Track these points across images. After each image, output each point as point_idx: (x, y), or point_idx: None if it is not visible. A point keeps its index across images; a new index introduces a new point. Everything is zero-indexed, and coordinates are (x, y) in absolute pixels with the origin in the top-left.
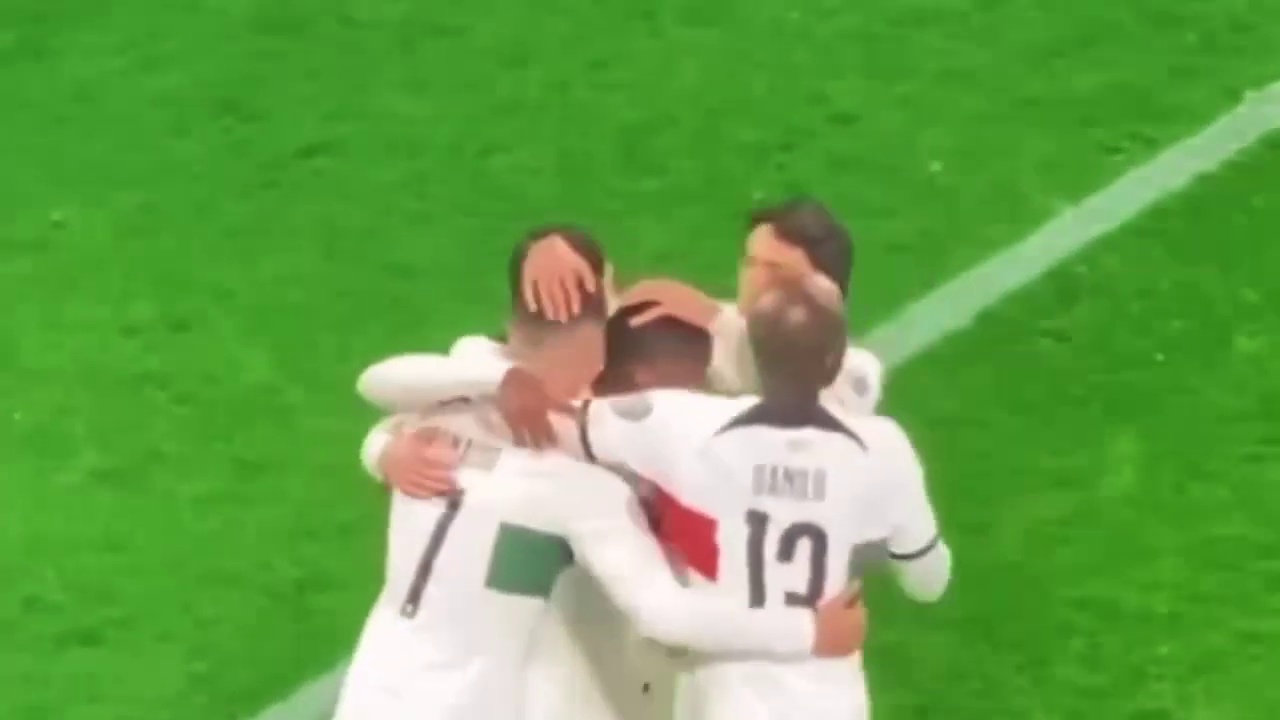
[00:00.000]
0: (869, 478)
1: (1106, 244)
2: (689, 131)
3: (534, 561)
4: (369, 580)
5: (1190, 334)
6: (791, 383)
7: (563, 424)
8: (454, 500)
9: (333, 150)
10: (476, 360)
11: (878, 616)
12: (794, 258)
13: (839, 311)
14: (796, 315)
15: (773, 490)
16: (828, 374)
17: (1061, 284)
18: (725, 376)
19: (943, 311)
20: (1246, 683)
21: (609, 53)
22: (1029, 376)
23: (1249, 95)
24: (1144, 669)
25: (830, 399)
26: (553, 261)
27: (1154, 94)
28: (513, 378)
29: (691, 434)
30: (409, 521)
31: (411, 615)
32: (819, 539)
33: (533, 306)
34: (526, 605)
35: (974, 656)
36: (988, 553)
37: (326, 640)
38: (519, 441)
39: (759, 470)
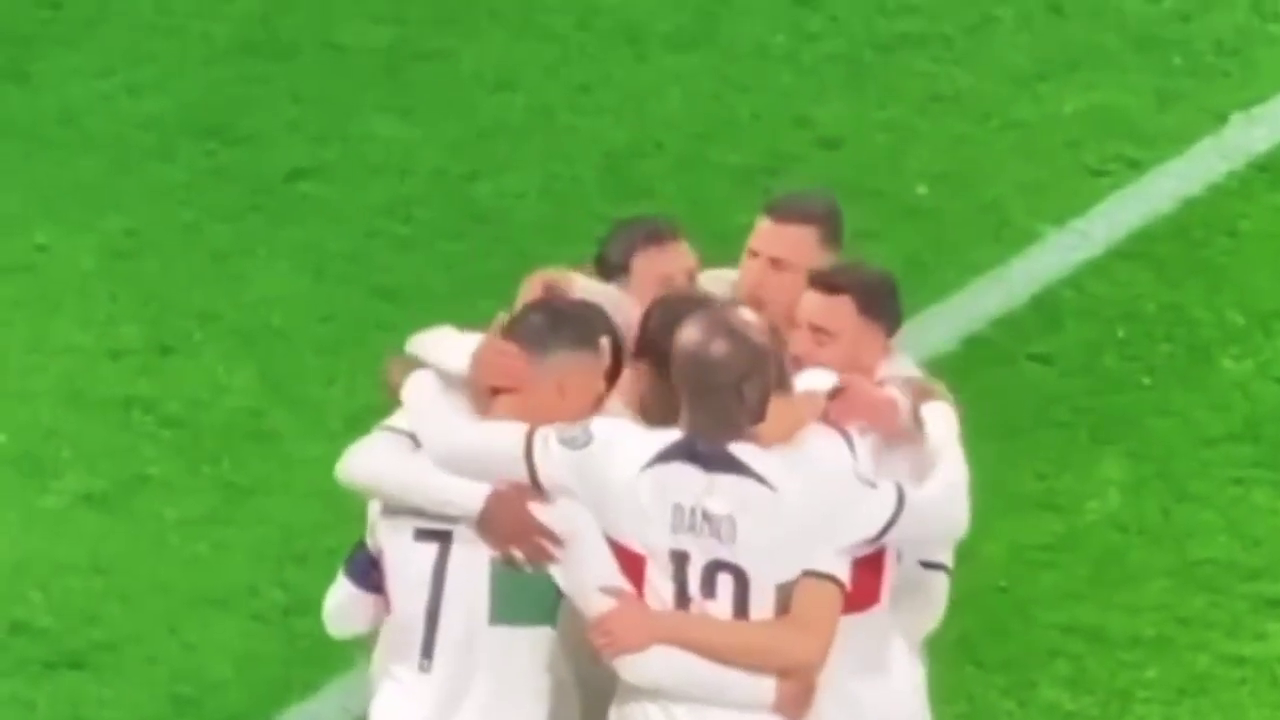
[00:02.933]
0: (780, 519)
1: (1092, 267)
2: (674, 156)
3: (531, 590)
4: None
5: (1176, 357)
6: (712, 416)
7: None
8: (444, 546)
9: (318, 174)
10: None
11: None
12: (797, 238)
13: (763, 342)
14: (719, 347)
15: (691, 529)
16: (753, 408)
17: (1047, 307)
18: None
19: (928, 335)
20: (1232, 706)
21: (594, 77)
22: (1014, 400)
23: (1234, 118)
24: (1130, 692)
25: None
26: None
27: (1139, 117)
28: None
29: (623, 468)
30: (404, 573)
31: (429, 670)
32: (739, 575)
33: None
34: (535, 636)
35: (960, 679)
36: (974, 576)
37: (313, 664)
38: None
39: (678, 509)
